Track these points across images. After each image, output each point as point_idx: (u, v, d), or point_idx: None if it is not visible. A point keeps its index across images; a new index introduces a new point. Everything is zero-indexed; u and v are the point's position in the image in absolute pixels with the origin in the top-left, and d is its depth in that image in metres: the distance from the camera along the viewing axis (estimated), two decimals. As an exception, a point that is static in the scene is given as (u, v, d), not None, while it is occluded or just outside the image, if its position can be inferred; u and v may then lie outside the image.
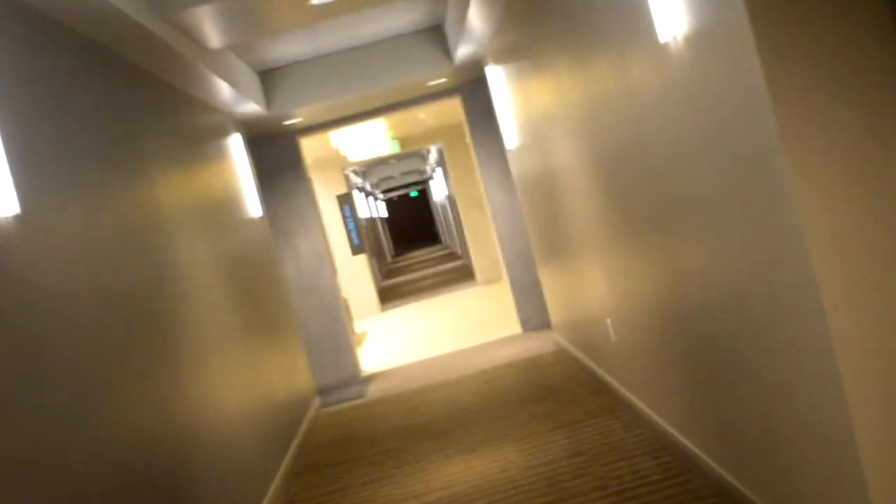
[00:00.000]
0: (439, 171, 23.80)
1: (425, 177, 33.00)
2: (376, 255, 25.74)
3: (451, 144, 15.95)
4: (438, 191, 28.79)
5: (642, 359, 4.84)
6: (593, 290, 5.71)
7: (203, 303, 5.03)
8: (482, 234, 15.91)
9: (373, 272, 19.83)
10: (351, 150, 13.39)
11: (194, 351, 4.60)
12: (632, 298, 4.70)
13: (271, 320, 6.98)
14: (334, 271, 9.91)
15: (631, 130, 3.87)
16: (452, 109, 12.93)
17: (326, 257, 9.77)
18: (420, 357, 10.00)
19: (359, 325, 14.97)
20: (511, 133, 7.52)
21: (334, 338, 9.80)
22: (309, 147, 12.82)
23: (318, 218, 9.81)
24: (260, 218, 7.59)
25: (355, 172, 21.39)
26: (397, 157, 20.26)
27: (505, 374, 7.74)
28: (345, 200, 15.55)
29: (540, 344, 8.70)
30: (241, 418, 5.27)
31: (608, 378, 5.97)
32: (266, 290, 7.07)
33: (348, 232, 15.56)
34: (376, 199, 34.39)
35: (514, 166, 7.88)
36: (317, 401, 8.18)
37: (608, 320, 5.43)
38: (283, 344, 7.25)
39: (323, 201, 15.58)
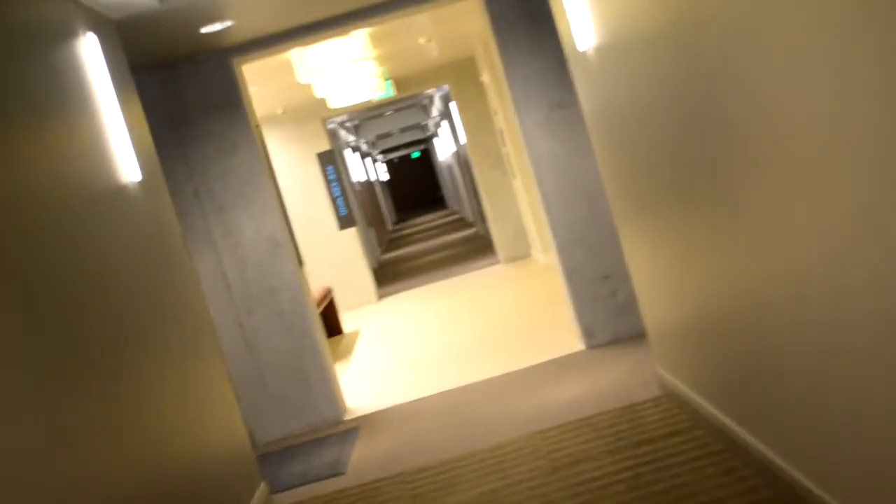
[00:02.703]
0: (445, 125, 20.37)
1: (428, 134, 29.64)
2: (375, 225, 22.37)
3: (461, 86, 12.53)
4: (444, 149, 25.37)
5: None
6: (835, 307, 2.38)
7: None
8: (504, 199, 12.54)
9: (368, 249, 16.47)
10: (329, 90, 9.98)
11: None
12: None
13: (145, 353, 3.68)
14: (298, 263, 6.57)
15: None
16: (463, 31, 9.50)
17: (286, 243, 6.44)
18: (434, 387, 6.66)
19: (348, 322, 11.65)
20: (588, 26, 4.15)
21: (300, 365, 6.48)
22: (271, 87, 9.41)
23: (271, 183, 6.46)
24: (140, 184, 4.25)
25: (345, 129, 17.96)
26: (394, 106, 16.82)
27: (585, 450, 4.40)
28: (328, 159, 12.19)
29: (624, 377, 5.39)
30: None
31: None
32: (142, 303, 3.77)
33: (333, 200, 12.22)
34: (375, 160, 30.97)
35: (588, 82, 4.51)
36: (262, 486, 4.89)
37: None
38: (181, 389, 3.96)
39: (298, 161, 12.18)
